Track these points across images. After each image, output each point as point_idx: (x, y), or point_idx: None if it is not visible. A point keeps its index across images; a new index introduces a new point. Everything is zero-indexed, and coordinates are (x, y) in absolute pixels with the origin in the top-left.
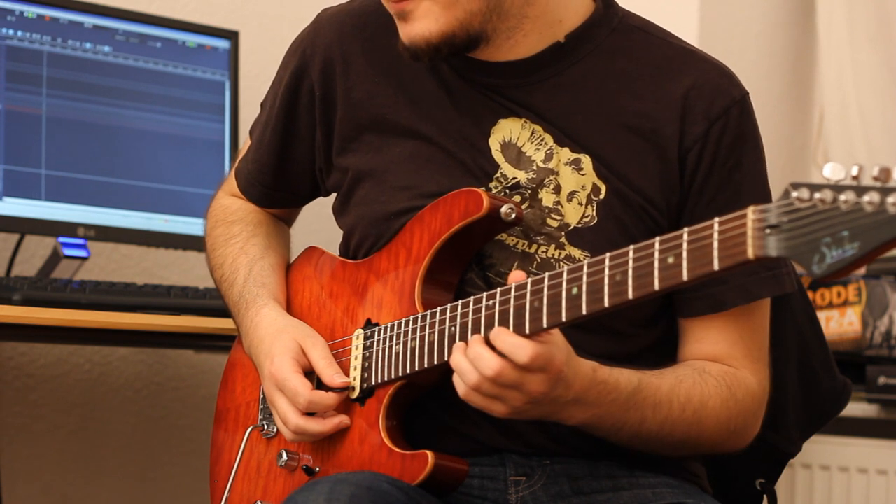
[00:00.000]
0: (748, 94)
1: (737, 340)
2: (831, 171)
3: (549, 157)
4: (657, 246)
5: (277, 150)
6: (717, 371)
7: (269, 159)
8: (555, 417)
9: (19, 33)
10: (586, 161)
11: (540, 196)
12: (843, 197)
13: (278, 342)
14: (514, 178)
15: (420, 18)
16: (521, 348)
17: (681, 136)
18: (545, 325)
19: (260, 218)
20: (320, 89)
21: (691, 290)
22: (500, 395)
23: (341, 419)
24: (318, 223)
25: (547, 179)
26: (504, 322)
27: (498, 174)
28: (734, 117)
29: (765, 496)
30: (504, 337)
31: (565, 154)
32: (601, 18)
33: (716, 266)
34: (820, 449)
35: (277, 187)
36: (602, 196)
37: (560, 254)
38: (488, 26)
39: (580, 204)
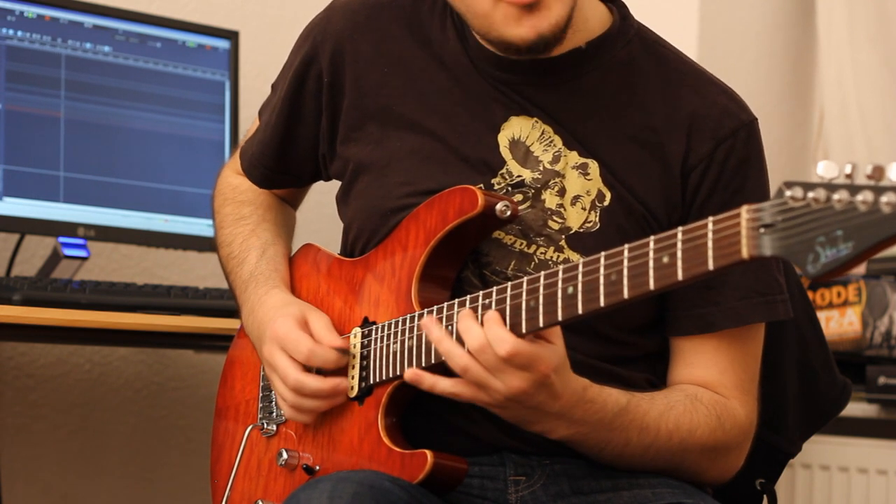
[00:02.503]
0: (756, 120)
1: (726, 369)
2: (825, 170)
3: (556, 159)
4: (652, 245)
5: (281, 133)
6: (709, 399)
7: (272, 142)
8: (537, 428)
9: (19, 33)
10: (593, 167)
11: (543, 197)
12: (836, 196)
13: (283, 310)
14: (518, 176)
15: (549, 6)
16: (503, 342)
17: (686, 154)
18: (541, 325)
19: (269, 202)
20: (328, 76)
21: (682, 308)
22: (483, 382)
23: (341, 380)
24: (318, 223)
25: (552, 181)
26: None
27: (503, 170)
28: (741, 140)
29: (765, 496)
30: (490, 325)
31: (573, 158)
32: (618, 30)
33: (710, 266)
34: (820, 449)
35: (278, 170)
36: (606, 203)
37: (558, 256)
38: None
39: (584, 209)
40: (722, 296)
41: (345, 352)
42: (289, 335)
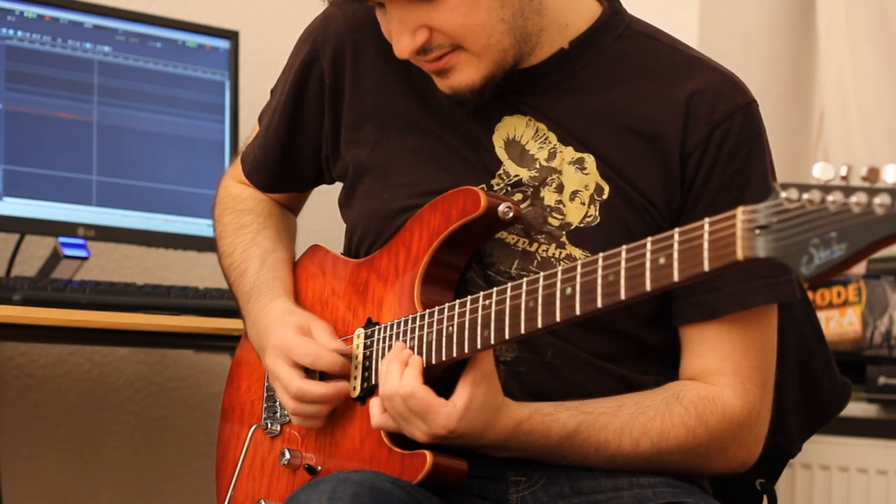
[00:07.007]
0: (755, 101)
1: (727, 356)
2: (820, 171)
3: (552, 156)
4: (649, 246)
5: (284, 136)
6: (691, 397)
7: (274, 145)
8: (482, 450)
9: (19, 33)
10: (590, 161)
11: (542, 194)
12: (830, 198)
13: (285, 318)
14: (516, 176)
15: (459, 70)
16: (406, 384)
17: (683, 141)
18: (539, 326)
19: (269, 209)
20: (330, 77)
21: (685, 297)
22: (399, 430)
23: (343, 383)
24: (317, 223)
25: (549, 178)
26: (500, 321)
27: (500, 171)
28: (737, 123)
29: (765, 496)
30: (410, 366)
31: (569, 153)
32: (606, 24)
33: (706, 267)
34: (820, 449)
35: (281, 173)
36: (605, 196)
37: (561, 253)
38: (518, 55)
39: (583, 203)
40: (724, 281)
41: (348, 356)
42: (292, 340)
